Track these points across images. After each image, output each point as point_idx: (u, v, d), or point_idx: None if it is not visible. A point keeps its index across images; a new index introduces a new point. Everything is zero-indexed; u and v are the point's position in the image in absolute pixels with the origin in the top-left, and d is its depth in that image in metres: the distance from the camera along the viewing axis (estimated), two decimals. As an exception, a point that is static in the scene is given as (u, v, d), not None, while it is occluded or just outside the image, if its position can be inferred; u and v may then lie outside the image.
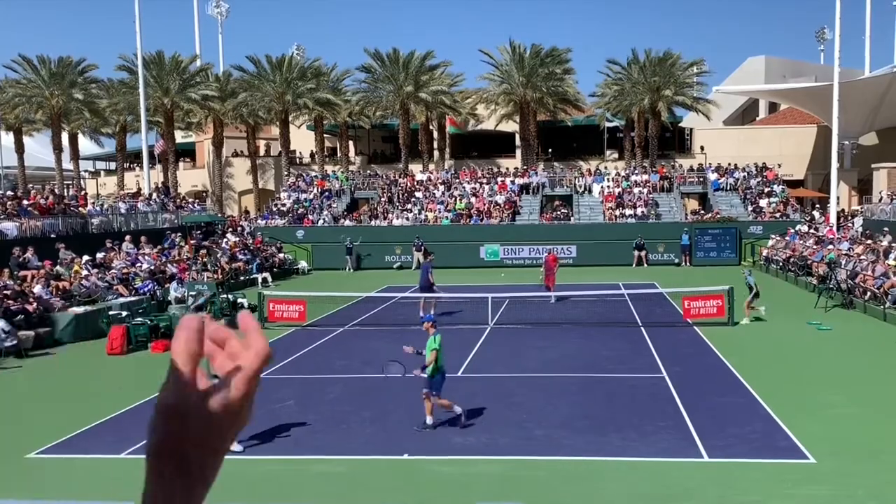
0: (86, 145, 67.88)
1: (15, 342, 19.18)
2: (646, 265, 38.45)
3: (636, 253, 38.87)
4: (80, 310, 22.06)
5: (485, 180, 48.15)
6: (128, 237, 31.23)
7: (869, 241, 30.10)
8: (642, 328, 21.35)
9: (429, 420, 12.14)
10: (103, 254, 28.24)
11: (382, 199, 46.51)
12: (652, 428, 12.08)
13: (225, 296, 24.30)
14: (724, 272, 33.55)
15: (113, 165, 69.51)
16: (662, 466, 10.50)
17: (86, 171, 74.74)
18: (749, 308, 21.82)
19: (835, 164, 40.74)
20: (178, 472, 0.90)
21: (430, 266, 24.38)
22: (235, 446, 11.16)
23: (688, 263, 38.61)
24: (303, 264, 39.93)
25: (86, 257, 26.76)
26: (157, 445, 0.90)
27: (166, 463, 0.90)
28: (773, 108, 68.62)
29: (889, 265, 24.50)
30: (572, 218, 43.78)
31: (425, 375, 12.08)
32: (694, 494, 9.58)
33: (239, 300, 25.43)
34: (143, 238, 31.84)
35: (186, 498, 0.91)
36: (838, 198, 42.33)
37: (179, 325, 0.91)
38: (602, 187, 45.87)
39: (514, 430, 12.13)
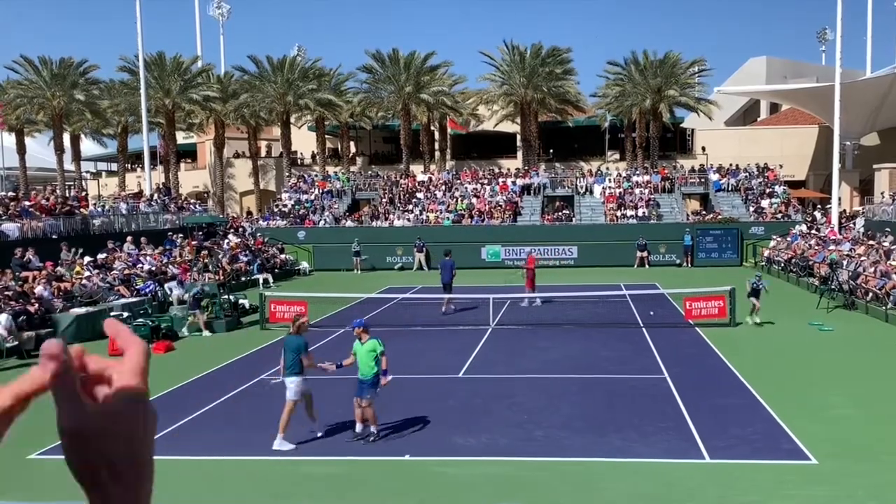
0: (87, 146, 67.97)
1: (17, 343, 19.20)
2: (647, 266, 38.40)
3: (639, 254, 38.85)
4: (81, 311, 22.07)
5: (486, 181, 48.15)
6: (129, 238, 31.25)
7: (871, 242, 30.08)
8: (643, 329, 21.34)
9: (373, 428, 11.80)
10: (105, 255, 28.26)
11: (384, 200, 46.52)
12: (653, 429, 12.08)
13: (226, 296, 24.29)
14: (725, 273, 33.56)
15: (114, 166, 69.56)
16: (663, 467, 10.50)
17: (87, 171, 74.84)
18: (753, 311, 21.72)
19: (836, 165, 40.72)
20: (112, 479, 0.91)
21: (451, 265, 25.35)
22: (284, 445, 11.36)
23: (689, 264, 38.58)
24: (304, 265, 39.94)
25: (87, 258, 26.79)
26: (79, 465, 0.91)
27: (97, 475, 0.91)
28: (774, 108, 68.61)
29: (891, 266, 24.48)
30: (573, 219, 43.77)
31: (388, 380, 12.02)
32: (695, 495, 9.57)
33: (240, 301, 25.43)
34: (143, 239, 31.87)
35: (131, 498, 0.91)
36: (840, 198, 42.31)
37: (42, 352, 0.87)
38: (603, 188, 45.85)
39: (514, 431, 12.13)
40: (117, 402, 0.90)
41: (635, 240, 39.12)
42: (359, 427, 11.77)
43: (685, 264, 38.69)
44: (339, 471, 10.75)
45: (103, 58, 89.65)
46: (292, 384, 11.58)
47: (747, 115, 72.01)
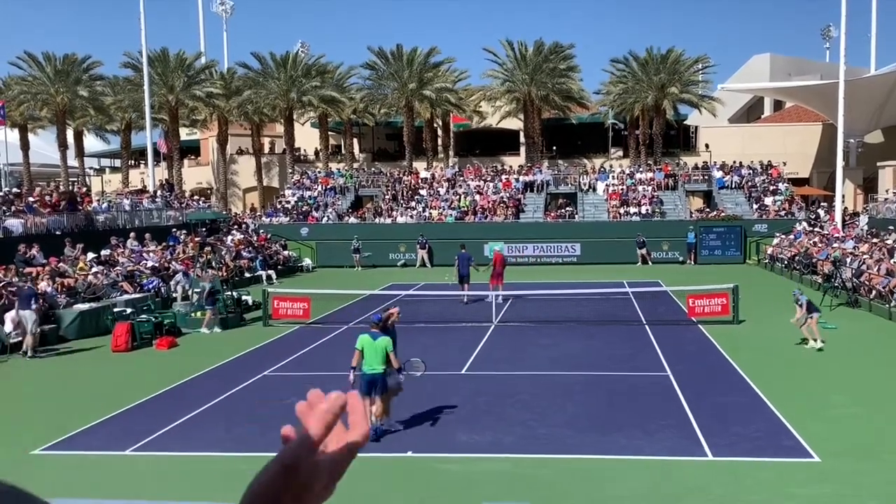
0: (91, 142, 68.03)
1: (20, 338, 19.24)
2: (650, 263, 38.37)
3: (639, 251, 38.80)
4: (84, 307, 22.10)
5: (489, 178, 48.13)
6: (132, 234, 31.29)
7: (875, 240, 30.03)
8: (646, 326, 21.32)
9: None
10: (108, 251, 28.29)
11: (387, 197, 46.52)
12: (656, 426, 12.07)
13: (229, 293, 24.31)
14: (728, 270, 33.54)
15: (118, 163, 69.63)
16: (667, 465, 10.49)
17: (91, 168, 74.89)
18: (813, 327, 18.08)
19: (840, 162, 40.62)
20: None
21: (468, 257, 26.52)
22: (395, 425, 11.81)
23: (693, 262, 38.51)
24: (307, 262, 39.96)
25: (91, 254, 26.82)
26: (263, 490, 1.00)
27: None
28: (778, 105, 68.50)
29: (894, 264, 24.43)
30: (576, 216, 43.75)
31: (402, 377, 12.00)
32: (698, 493, 9.56)
33: (243, 297, 25.46)
34: (147, 235, 31.91)
35: None
36: (843, 196, 42.23)
37: (332, 398, 1.01)
38: (606, 185, 45.80)
39: (518, 429, 12.12)
40: (327, 464, 1.02)
41: (646, 237, 39.08)
42: (384, 424, 11.85)
43: (689, 262, 38.64)
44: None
45: (107, 54, 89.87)
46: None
47: (751, 113, 71.89)
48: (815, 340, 17.91)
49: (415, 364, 12.45)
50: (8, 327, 19.22)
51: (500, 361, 17.31)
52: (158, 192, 41.04)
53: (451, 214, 43.26)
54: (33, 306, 19.04)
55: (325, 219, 43.85)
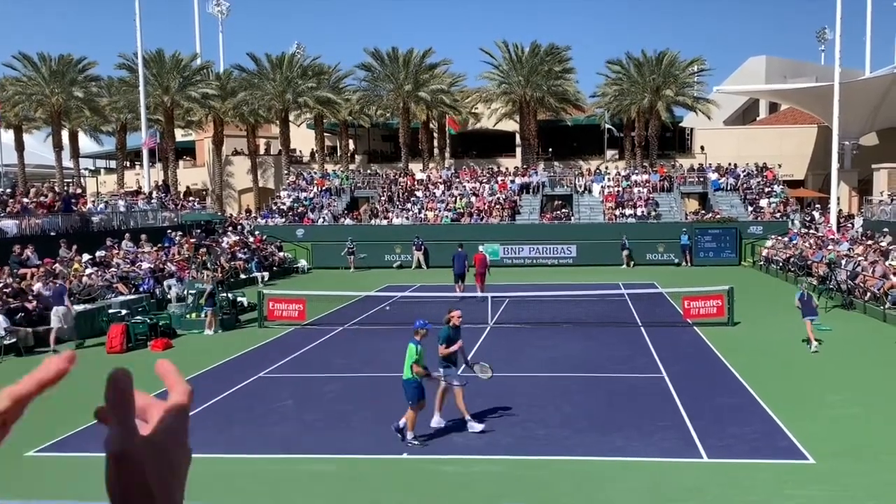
0: (86, 143, 67.84)
1: (14, 340, 19.20)
2: (632, 266, 38.35)
3: (623, 253, 38.78)
4: (79, 308, 22.03)
5: (485, 179, 48.15)
6: (127, 235, 31.23)
7: (869, 242, 30.10)
8: (642, 328, 21.34)
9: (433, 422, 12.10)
10: (103, 252, 28.23)
11: (382, 199, 46.51)
12: (652, 428, 12.07)
13: (224, 294, 24.27)
14: (723, 272, 33.60)
15: (113, 164, 69.50)
16: (662, 466, 10.49)
17: (86, 169, 74.75)
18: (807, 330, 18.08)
19: (835, 165, 40.74)
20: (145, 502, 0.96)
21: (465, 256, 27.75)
22: (475, 426, 11.83)
23: (689, 263, 38.52)
24: (302, 263, 39.92)
25: (86, 256, 26.76)
26: (117, 490, 0.95)
27: (132, 498, 0.96)
28: (773, 108, 68.61)
29: (889, 266, 24.49)
30: (572, 218, 43.78)
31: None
32: (694, 495, 9.57)
33: (238, 299, 25.41)
34: (143, 236, 31.86)
35: None
36: (838, 198, 42.33)
37: (111, 380, 0.94)
38: (602, 187, 45.85)
39: (515, 430, 12.12)
40: (161, 435, 0.97)
41: (632, 239, 39.12)
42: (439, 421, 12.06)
43: (684, 264, 38.62)
44: (338, 469, 10.74)
45: (102, 55, 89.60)
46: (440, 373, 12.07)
47: (746, 115, 72.00)
48: (810, 343, 17.90)
49: (482, 368, 12.63)
50: (54, 322, 19.87)
51: (495, 363, 17.20)
52: (153, 194, 40.97)
53: (446, 216, 43.26)
54: (66, 302, 20.25)
55: (321, 220, 43.82)
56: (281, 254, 39.86)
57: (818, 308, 19.04)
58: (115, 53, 70.07)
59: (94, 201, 38.32)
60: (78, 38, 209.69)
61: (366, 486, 10.21)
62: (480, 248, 29.90)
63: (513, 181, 46.91)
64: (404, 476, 10.48)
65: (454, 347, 12.08)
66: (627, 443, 11.37)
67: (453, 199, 45.28)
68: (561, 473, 10.36)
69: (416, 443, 11.38)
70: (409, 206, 44.99)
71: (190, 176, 64.26)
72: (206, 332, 21.67)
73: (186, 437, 1.01)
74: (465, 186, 47.24)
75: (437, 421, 12.03)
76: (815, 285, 27.72)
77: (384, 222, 43.19)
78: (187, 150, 68.15)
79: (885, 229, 31.25)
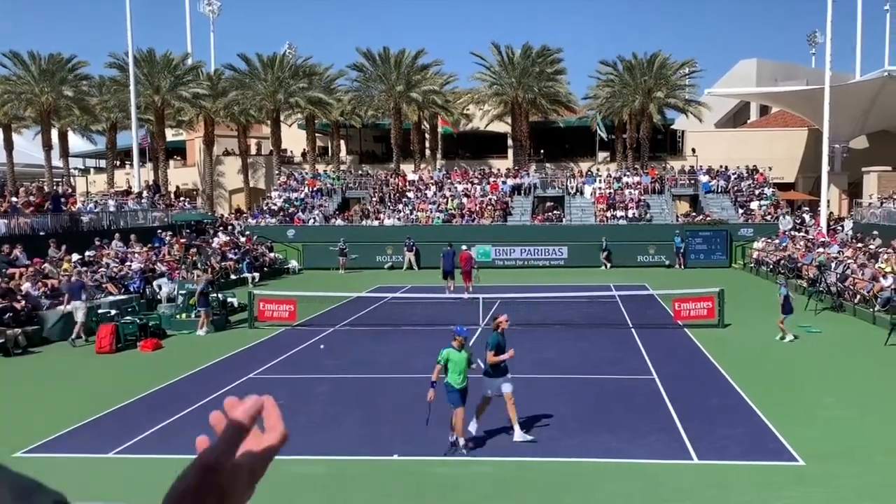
0: (76, 142, 67.52)
1: (2, 340, 19.08)
2: (608, 267, 38.48)
3: (602, 255, 38.88)
4: (68, 308, 21.90)
5: (476, 180, 48.15)
6: (117, 235, 31.08)
7: (859, 245, 30.22)
8: (633, 330, 21.36)
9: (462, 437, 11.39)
10: (93, 252, 28.07)
11: (374, 199, 46.45)
12: (643, 430, 12.08)
13: (215, 295, 24.18)
14: (714, 274, 33.69)
15: (103, 163, 69.15)
16: (653, 468, 10.50)
17: (75, 168, 74.38)
18: (780, 325, 19.52)
19: (825, 168, 40.91)
20: None
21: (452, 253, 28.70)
22: (523, 437, 11.49)
23: (681, 266, 38.48)
24: (293, 264, 39.81)
25: (75, 256, 26.61)
26: (185, 491, 0.99)
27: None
28: (764, 110, 68.85)
29: (878, 268, 24.59)
30: (564, 219, 43.81)
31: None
32: (684, 496, 9.57)
33: (229, 299, 25.32)
34: (132, 236, 31.71)
35: None
36: (829, 201, 42.49)
37: (256, 403, 1.04)
38: (594, 189, 45.90)
39: (506, 431, 12.09)
40: (247, 468, 1.04)
41: (624, 241, 39.19)
42: (461, 439, 11.32)
43: (678, 266, 38.51)
44: (328, 470, 10.70)
45: (93, 54, 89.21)
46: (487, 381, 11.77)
47: (737, 117, 72.25)
48: (784, 336, 19.27)
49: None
50: (79, 316, 20.54)
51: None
52: (144, 193, 40.80)
53: (438, 217, 43.23)
54: (83, 297, 21.06)
55: (312, 221, 43.73)
56: (271, 254, 39.75)
57: (806, 310, 19.22)
58: (106, 53, 69.65)
59: (83, 201, 38.13)
60: (68, 37, 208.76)
61: (356, 488, 10.17)
62: (463, 246, 30.23)
63: (504, 182, 46.93)
64: (395, 478, 10.45)
65: (505, 356, 11.64)
66: (618, 444, 11.37)
67: (445, 200, 45.26)
68: (552, 475, 10.35)
69: (465, 452, 11.08)
70: (400, 206, 44.94)
71: (180, 176, 64.03)
72: (198, 333, 21.57)
73: (260, 478, 1.07)
74: (456, 187, 47.23)
75: (473, 427, 11.68)
76: (804, 287, 27.86)
77: (375, 223, 43.14)
78: (178, 150, 67.90)
79: (875, 232, 31.40)
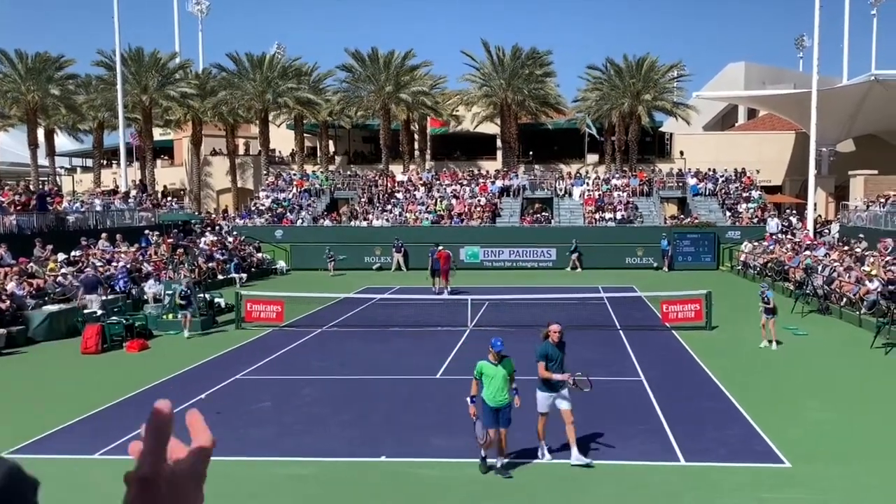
0: (62, 141, 67.12)
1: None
2: (580, 269, 38.58)
3: (572, 256, 38.99)
4: (54, 308, 21.76)
5: (465, 182, 48.15)
6: (104, 235, 30.89)
7: (845, 248, 30.39)
8: (621, 332, 21.39)
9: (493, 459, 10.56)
10: (79, 251, 27.89)
11: (362, 200, 46.37)
12: (630, 432, 12.10)
13: (202, 295, 24.05)
14: (702, 276, 33.80)
15: (90, 162, 68.77)
16: (641, 470, 10.50)
17: (62, 167, 73.91)
18: (770, 328, 19.06)
19: (812, 171, 41.11)
20: None
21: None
22: (579, 459, 10.50)
23: (668, 268, 38.55)
24: (281, 264, 39.67)
25: (61, 255, 26.43)
26: None
27: None
28: (752, 113, 69.17)
29: (864, 271, 24.72)
30: (552, 221, 43.86)
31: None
32: (671, 498, 9.58)
33: (216, 300, 25.20)
34: (119, 236, 31.53)
35: None
36: (815, 204, 42.72)
37: (156, 410, 1.06)
38: (582, 191, 45.98)
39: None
40: (184, 472, 1.06)
41: (617, 242, 39.27)
42: (499, 460, 10.49)
43: (664, 268, 38.58)
44: (315, 472, 10.65)
45: (80, 53, 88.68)
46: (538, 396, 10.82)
47: (725, 120, 72.54)
48: (771, 342, 18.83)
49: (581, 381, 10.77)
50: (96, 307, 21.65)
51: (475, 366, 17.23)
52: (131, 193, 40.57)
53: (427, 218, 43.20)
54: (98, 291, 22.45)
55: (300, 221, 43.61)
56: (259, 255, 39.60)
57: (793, 312, 19.25)
58: (93, 51, 69.25)
59: (70, 200, 37.89)
60: (56, 36, 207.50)
61: (344, 490, 10.13)
62: (440, 246, 30.91)
63: (493, 183, 46.95)
64: (383, 479, 10.41)
65: (559, 377, 10.61)
66: (606, 446, 11.37)
67: (434, 201, 45.23)
68: (540, 477, 10.33)
69: (506, 475, 10.30)
70: (389, 207, 44.88)
71: (168, 175, 63.75)
72: (184, 334, 21.30)
73: (203, 481, 1.09)
74: (445, 189, 47.21)
75: (543, 453, 10.87)
76: (791, 290, 27.98)
77: (364, 224, 43.05)
78: (165, 150, 67.60)
79: (861, 235, 31.57)
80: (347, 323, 23.62)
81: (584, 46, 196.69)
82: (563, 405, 10.65)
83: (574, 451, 10.52)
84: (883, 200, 34.42)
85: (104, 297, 23.42)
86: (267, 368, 17.24)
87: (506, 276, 35.88)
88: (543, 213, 45.10)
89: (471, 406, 10.28)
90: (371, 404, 13.98)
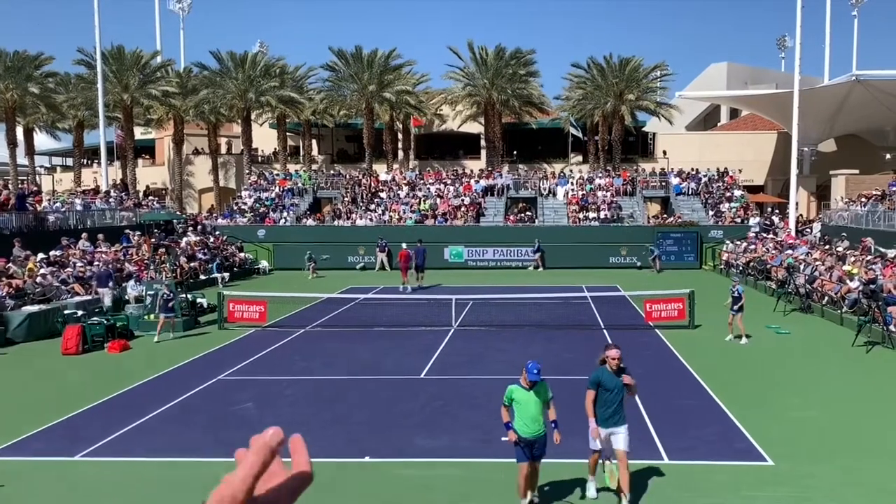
0: (42, 140, 66.56)
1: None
2: (542, 269, 38.67)
3: (535, 256, 39.05)
4: (33, 309, 21.53)
5: (449, 181, 48.10)
6: (84, 235, 30.60)
7: (827, 247, 30.60)
8: (605, 331, 21.42)
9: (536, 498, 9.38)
10: (59, 252, 27.61)
11: (346, 199, 46.22)
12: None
13: (184, 295, 23.88)
14: (685, 276, 33.93)
15: (70, 161, 68.20)
16: (624, 469, 10.48)
17: (41, 166, 73.28)
18: (738, 324, 19.76)
19: (794, 170, 41.39)
20: None
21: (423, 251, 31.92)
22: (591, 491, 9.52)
23: (656, 270, 38.13)
24: (263, 264, 39.47)
25: (41, 255, 26.15)
26: None
27: None
28: (734, 113, 69.58)
29: (845, 270, 24.89)
30: (536, 220, 43.90)
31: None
32: (653, 496, 9.57)
33: (198, 300, 25.02)
34: (100, 236, 31.25)
35: None
36: (797, 203, 43.01)
37: (268, 436, 1.01)
38: (566, 190, 46.05)
39: (476, 433, 12.05)
40: (272, 499, 1.00)
41: (603, 242, 39.34)
42: (529, 495, 9.24)
43: (654, 270, 37.97)
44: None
45: (60, 51, 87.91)
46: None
47: (708, 120, 72.92)
48: (740, 337, 19.60)
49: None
50: (106, 301, 22.70)
51: (459, 366, 17.23)
52: (112, 192, 40.24)
53: (411, 217, 43.11)
54: (110, 284, 23.42)
55: (283, 221, 43.42)
56: (241, 254, 39.37)
57: (775, 311, 19.31)
58: (74, 50, 68.50)
59: (49, 200, 37.53)
60: (35, 34, 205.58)
61: (327, 491, 10.05)
62: (403, 245, 32.36)
63: (477, 183, 46.94)
64: (366, 480, 10.35)
65: (592, 428, 9.26)
66: (588, 444, 11.34)
67: (417, 200, 45.16)
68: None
69: None
70: (373, 207, 44.75)
71: (149, 175, 63.33)
72: (168, 336, 20.95)
73: None
74: (429, 188, 47.15)
75: (591, 489, 9.64)
76: (774, 288, 28.14)
77: (347, 223, 42.91)
78: (147, 149, 67.15)
79: (843, 234, 31.80)
80: (331, 323, 23.51)
81: (567, 46, 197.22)
82: (620, 444, 9.15)
83: (625, 500, 9.07)
84: (864, 200, 34.71)
85: (115, 291, 24.28)
86: (249, 369, 17.12)
87: (490, 276, 35.88)
88: (527, 213, 45.13)
89: (510, 432, 8.91)
90: (355, 405, 13.91)
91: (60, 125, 59.98)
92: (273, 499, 1.00)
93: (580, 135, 54.72)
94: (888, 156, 49.71)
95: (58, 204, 35.32)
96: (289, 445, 1.05)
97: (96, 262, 27.02)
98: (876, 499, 9.52)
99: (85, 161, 63.40)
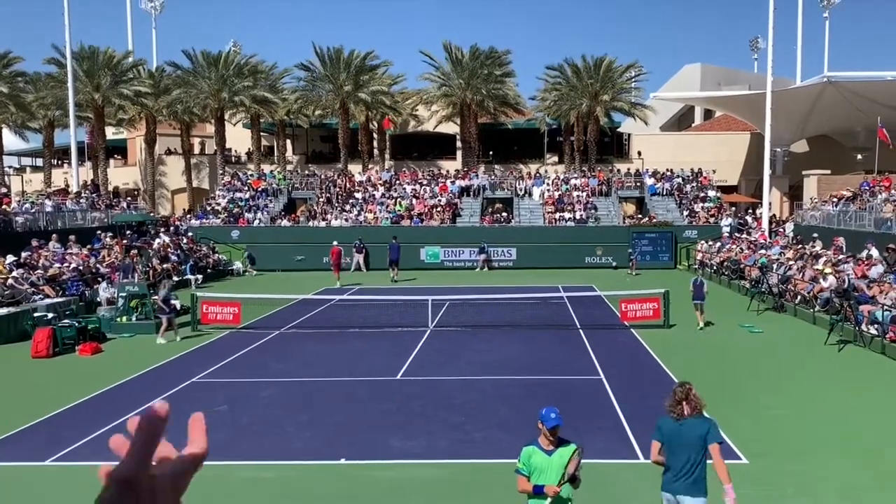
0: (10, 140, 65.50)
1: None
2: (488, 269, 38.94)
3: (480, 257, 39.28)
4: (2, 311, 21.16)
5: (425, 182, 48.02)
6: (54, 236, 30.17)
7: (799, 246, 30.89)
8: (581, 331, 21.46)
9: None
10: (28, 253, 27.17)
11: (321, 200, 45.98)
12: (589, 430, 12.09)
13: (155, 297, 23.59)
14: (660, 275, 34.10)
15: (40, 162, 67.24)
16: (600, 468, 10.48)
17: (10, 167, 72.14)
18: (696, 312, 21.91)
19: (767, 171, 41.76)
20: None
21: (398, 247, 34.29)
22: None
23: (632, 271, 38.12)
24: (237, 265, 39.14)
25: (10, 257, 25.73)
26: None
27: None
28: (708, 114, 70.11)
29: (817, 270, 25.14)
30: (512, 221, 43.95)
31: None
32: (630, 495, 9.59)
33: (171, 301, 24.69)
34: (71, 237, 30.82)
35: None
36: (770, 203, 43.40)
37: (154, 410, 1.00)
38: (542, 190, 46.14)
39: (452, 433, 12.01)
40: (168, 477, 1.01)
41: (580, 242, 39.47)
42: None
43: (630, 271, 37.94)
44: (274, 475, 10.47)
45: (29, 50, 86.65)
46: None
47: (682, 121, 73.44)
48: (699, 324, 21.40)
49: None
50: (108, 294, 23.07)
51: (435, 366, 17.18)
52: (83, 193, 39.72)
53: (386, 218, 42.97)
54: (130, 276, 24.97)
55: (257, 221, 43.10)
56: (215, 255, 39.02)
57: (749, 310, 19.49)
58: (43, 48, 67.67)
59: (19, 201, 36.97)
60: (3, 32, 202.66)
61: (303, 493, 9.97)
62: (335, 242, 34.22)
63: (453, 183, 46.90)
64: (342, 482, 10.27)
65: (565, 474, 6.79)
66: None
67: (393, 201, 45.03)
68: (498, 477, 10.26)
69: None
70: (348, 207, 44.55)
71: (121, 175, 62.62)
72: (159, 340, 20.63)
73: (183, 492, 1.03)
74: (405, 189, 47.03)
75: None
76: (748, 288, 28.35)
77: (323, 224, 42.67)
78: (118, 149, 66.36)
79: (815, 234, 32.12)
80: (306, 324, 23.36)
81: (541, 47, 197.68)
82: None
83: None
84: (835, 200, 35.09)
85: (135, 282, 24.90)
86: (223, 371, 16.96)
87: (466, 276, 35.86)
88: (503, 213, 45.17)
89: (546, 488, 6.87)
90: (330, 406, 13.81)
91: (30, 125, 59.08)
92: (171, 475, 1.00)
93: (557, 128, 54.70)
94: (860, 156, 50.26)
95: (27, 205, 34.77)
96: (189, 424, 1.06)
97: (114, 255, 30.36)
98: (848, 494, 9.60)
99: (55, 161, 62.52)
